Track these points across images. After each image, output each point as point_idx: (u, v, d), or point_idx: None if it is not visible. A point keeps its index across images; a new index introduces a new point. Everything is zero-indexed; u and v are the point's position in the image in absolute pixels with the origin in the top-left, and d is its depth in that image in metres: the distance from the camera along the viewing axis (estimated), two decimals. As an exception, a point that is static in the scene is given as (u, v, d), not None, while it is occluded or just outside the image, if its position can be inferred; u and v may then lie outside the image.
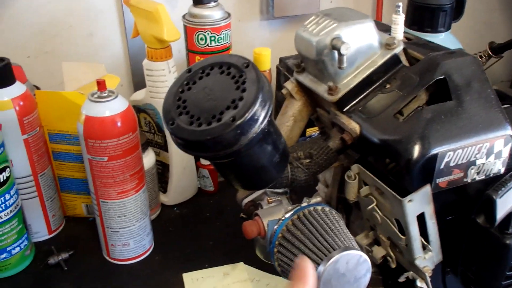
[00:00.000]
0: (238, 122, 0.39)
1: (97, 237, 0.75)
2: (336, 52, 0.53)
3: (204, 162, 0.85)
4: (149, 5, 0.72)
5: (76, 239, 0.79)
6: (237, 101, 0.40)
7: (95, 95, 0.65)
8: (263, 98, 0.40)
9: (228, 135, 0.39)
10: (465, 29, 1.23)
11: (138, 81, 1.01)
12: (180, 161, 0.82)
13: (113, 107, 0.64)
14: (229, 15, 0.82)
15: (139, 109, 0.82)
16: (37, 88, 0.81)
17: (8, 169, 0.67)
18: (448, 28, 0.89)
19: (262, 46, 1.10)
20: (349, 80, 0.55)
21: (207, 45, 0.81)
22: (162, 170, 0.84)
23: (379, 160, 0.52)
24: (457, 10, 0.90)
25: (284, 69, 0.97)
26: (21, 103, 0.69)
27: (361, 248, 0.51)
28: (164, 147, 0.82)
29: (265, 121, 0.41)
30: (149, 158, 0.78)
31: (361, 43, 0.54)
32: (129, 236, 0.72)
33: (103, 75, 0.82)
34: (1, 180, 0.66)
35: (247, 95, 0.40)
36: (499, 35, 1.27)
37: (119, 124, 0.64)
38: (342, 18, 0.54)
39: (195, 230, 0.81)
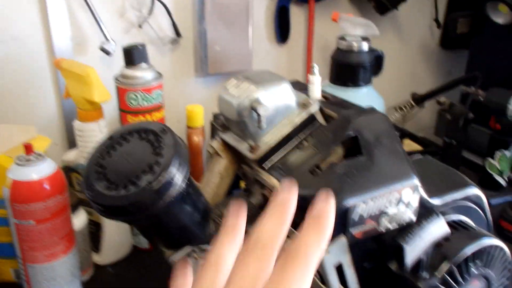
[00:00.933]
0: (154, 186, 0.41)
1: (27, 303, 0.73)
2: (255, 113, 0.56)
3: (139, 219, 0.85)
4: (80, 69, 0.74)
5: (4, 306, 0.76)
6: (154, 165, 0.42)
7: (22, 159, 0.65)
8: (179, 162, 0.42)
9: (145, 200, 0.41)
10: (390, 81, 1.32)
11: (73, 140, 1.01)
12: (113, 220, 0.82)
13: (41, 170, 0.64)
14: (160, 75, 0.85)
15: (70, 169, 0.82)
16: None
17: None
18: (369, 82, 0.95)
19: (198, 102, 1.13)
20: (268, 139, 0.58)
21: (139, 104, 0.83)
22: (95, 229, 0.84)
23: (299, 214, 0.55)
24: (377, 66, 0.97)
25: (218, 124, 1.00)
26: None
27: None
28: (97, 206, 0.81)
29: (182, 184, 0.43)
30: (80, 218, 0.77)
31: (279, 104, 0.58)
32: (59, 301, 0.70)
33: (32, 137, 0.82)
34: None
35: (163, 160, 0.42)
36: (422, 86, 1.37)
37: (47, 187, 0.64)
38: (260, 81, 0.58)
39: (131, 290, 0.80)
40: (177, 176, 0.42)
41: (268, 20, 1.21)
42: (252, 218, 0.58)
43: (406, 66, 1.44)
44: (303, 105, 0.59)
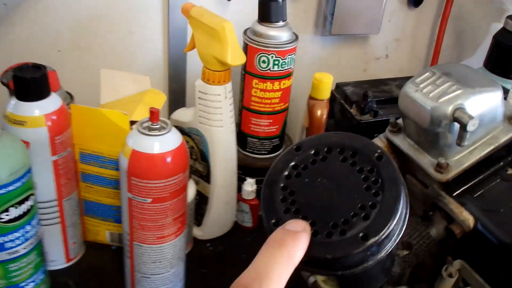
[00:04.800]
0: (371, 241, 0.30)
1: (121, 270, 0.66)
2: (457, 125, 0.43)
3: (246, 196, 0.76)
4: (214, 21, 0.62)
5: (97, 270, 0.70)
6: (369, 208, 0.30)
7: (145, 125, 0.55)
8: (403, 209, 0.31)
9: (355, 256, 0.30)
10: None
11: (175, 88, 0.92)
12: (222, 194, 0.73)
13: (166, 143, 0.55)
14: (296, 37, 0.72)
15: (182, 131, 0.72)
16: (71, 96, 0.71)
17: (32, 197, 0.57)
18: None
19: (312, 62, 1.01)
20: (462, 157, 0.46)
21: (269, 69, 0.71)
22: (199, 201, 0.75)
23: (494, 263, 0.43)
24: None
25: (341, 97, 0.87)
26: (55, 117, 0.59)
27: None
28: (206, 177, 0.72)
29: (400, 236, 0.31)
30: (190, 191, 0.68)
31: (485, 115, 0.45)
32: (161, 283, 0.63)
33: (146, 89, 0.72)
34: (24, 210, 0.56)
35: (383, 203, 0.30)
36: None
37: (169, 163, 0.55)
38: (467, 82, 0.44)
39: (230, 273, 0.72)
40: (397, 228, 0.31)
41: (404, -22, 1.04)
42: (428, 254, 0.46)
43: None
44: (512, 120, 0.46)
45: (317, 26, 0.99)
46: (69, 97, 0.70)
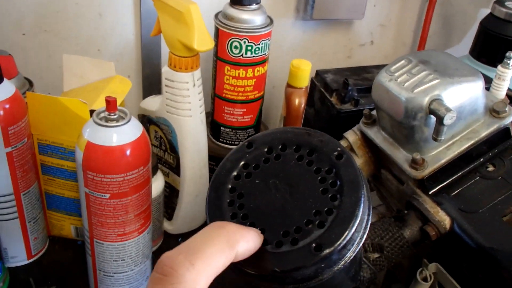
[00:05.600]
0: (325, 252, 0.26)
1: (86, 266, 0.62)
2: (433, 118, 0.40)
3: (220, 189, 0.72)
4: (179, 3, 0.58)
5: (61, 267, 0.66)
6: (324, 214, 0.27)
7: (102, 116, 0.51)
8: (364, 215, 0.27)
9: (307, 269, 0.26)
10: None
11: (148, 73, 0.87)
12: (192, 188, 0.69)
13: (124, 135, 0.51)
14: (271, 21, 0.68)
15: (150, 120, 0.68)
16: (30, 82, 0.67)
17: (-17, 191, 0.54)
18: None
19: (293, 49, 0.97)
20: (439, 153, 0.42)
21: (242, 55, 0.67)
22: (169, 193, 0.71)
23: (471, 267, 0.40)
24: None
25: (321, 84, 0.83)
26: (7, 106, 0.55)
27: None
28: (176, 169, 0.68)
29: (360, 244, 0.28)
30: (157, 184, 0.64)
31: (465, 107, 0.41)
32: (125, 282, 0.59)
33: (111, 76, 0.68)
34: (-26, 206, 0.53)
35: (340, 209, 0.27)
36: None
37: (128, 156, 0.51)
38: (445, 71, 0.41)
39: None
40: (357, 236, 0.27)
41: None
42: (401, 256, 0.43)
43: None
44: (494, 112, 0.43)
45: (298, 11, 0.94)
46: (28, 84, 0.65)
